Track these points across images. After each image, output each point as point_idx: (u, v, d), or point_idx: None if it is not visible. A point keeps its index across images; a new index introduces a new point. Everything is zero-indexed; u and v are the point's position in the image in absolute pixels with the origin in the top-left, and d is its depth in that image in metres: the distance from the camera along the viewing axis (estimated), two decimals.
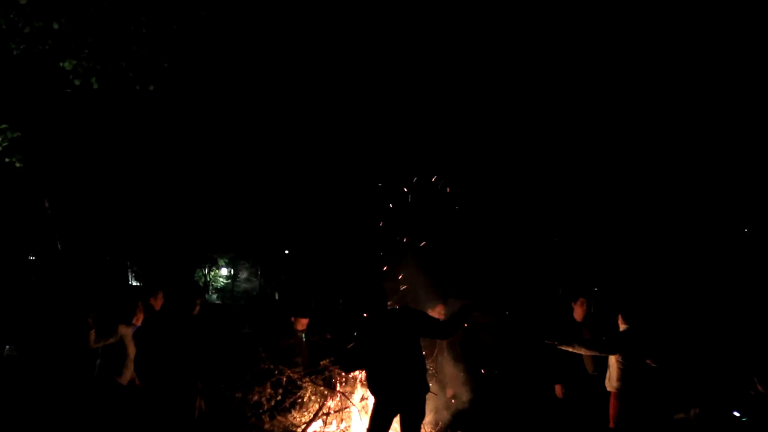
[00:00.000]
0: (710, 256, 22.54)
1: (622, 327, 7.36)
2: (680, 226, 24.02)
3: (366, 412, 7.41)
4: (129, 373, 7.21)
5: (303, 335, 9.25)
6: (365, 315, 6.04)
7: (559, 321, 8.65)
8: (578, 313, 8.43)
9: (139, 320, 7.36)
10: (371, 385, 5.92)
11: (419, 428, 5.79)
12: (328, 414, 7.66)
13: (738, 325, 13.69)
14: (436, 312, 8.28)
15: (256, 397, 7.88)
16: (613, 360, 7.29)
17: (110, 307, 7.38)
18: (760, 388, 7.03)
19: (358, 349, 6.01)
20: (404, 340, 5.81)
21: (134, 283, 37.89)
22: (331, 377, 7.99)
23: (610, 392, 7.32)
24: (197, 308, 7.80)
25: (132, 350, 7.25)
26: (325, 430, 7.67)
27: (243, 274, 46.85)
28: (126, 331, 7.20)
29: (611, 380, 7.27)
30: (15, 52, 8.05)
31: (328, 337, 9.41)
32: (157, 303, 8.30)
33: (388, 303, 6.26)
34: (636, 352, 7.15)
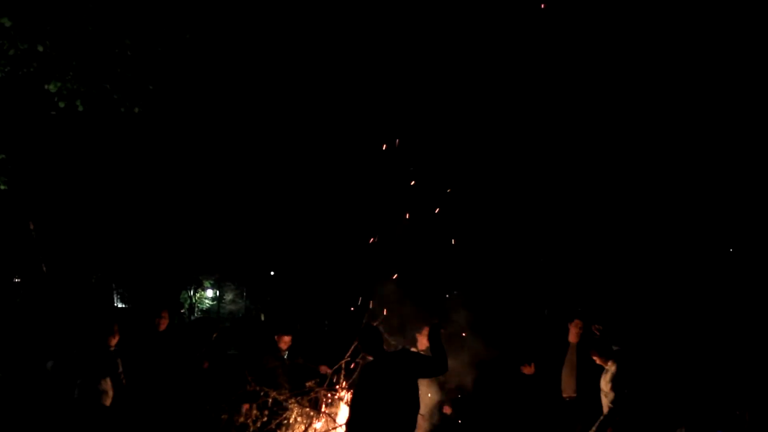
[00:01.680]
0: (695, 272, 22.62)
1: (610, 368, 7.35)
2: (664, 245, 24.11)
3: None
4: (111, 393, 7.26)
5: (286, 354, 9.23)
6: (366, 358, 5.99)
7: (548, 342, 8.61)
8: (572, 334, 8.36)
9: (114, 342, 7.43)
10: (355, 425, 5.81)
11: None
12: None
13: (722, 345, 13.73)
14: (424, 335, 8.26)
15: (241, 419, 7.86)
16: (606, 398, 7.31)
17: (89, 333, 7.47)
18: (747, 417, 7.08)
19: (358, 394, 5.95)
20: (403, 384, 5.75)
21: (119, 305, 37.70)
22: (316, 399, 7.98)
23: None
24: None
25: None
26: None
27: (228, 296, 46.65)
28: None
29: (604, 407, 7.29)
30: None
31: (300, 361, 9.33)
32: (162, 323, 8.45)
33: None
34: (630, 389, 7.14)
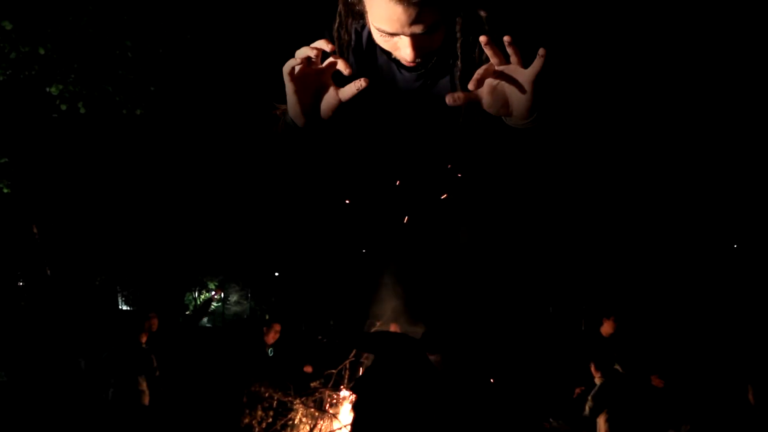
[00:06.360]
0: (700, 263, 22.58)
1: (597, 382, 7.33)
2: (667, 240, 24.08)
3: None
4: (147, 392, 7.37)
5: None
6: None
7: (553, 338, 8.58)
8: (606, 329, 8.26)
9: (145, 340, 7.56)
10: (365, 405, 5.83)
11: None
12: None
13: (729, 338, 13.67)
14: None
15: (246, 420, 7.85)
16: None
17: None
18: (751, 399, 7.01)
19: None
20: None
21: (124, 308, 37.75)
22: (321, 399, 7.97)
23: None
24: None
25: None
26: None
27: (233, 297, 46.59)
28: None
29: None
30: (1, 78, 8.05)
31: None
32: (153, 325, 8.52)
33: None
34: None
